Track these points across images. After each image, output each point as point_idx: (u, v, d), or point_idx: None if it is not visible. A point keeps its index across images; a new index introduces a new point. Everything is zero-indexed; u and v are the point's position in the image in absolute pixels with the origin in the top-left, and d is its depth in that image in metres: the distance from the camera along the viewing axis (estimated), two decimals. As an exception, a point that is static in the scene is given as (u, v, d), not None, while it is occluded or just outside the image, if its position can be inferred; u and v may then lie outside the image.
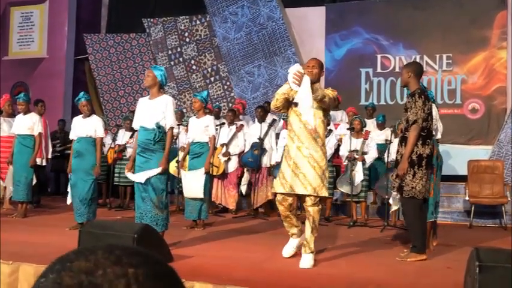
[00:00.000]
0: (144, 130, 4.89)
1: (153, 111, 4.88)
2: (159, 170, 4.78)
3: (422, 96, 4.61)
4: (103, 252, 0.65)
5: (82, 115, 6.31)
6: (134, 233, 3.90)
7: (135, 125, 5.08)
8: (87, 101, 6.20)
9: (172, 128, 4.96)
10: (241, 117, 8.75)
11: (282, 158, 4.82)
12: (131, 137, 8.62)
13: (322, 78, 9.77)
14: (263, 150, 7.80)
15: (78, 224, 5.93)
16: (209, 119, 6.53)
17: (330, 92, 4.40)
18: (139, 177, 4.82)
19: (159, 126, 4.85)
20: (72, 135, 6.28)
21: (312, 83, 4.31)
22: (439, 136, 5.67)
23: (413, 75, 4.73)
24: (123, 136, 8.70)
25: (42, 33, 11.66)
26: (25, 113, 7.21)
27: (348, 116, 8.45)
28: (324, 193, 4.33)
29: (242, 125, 8.16)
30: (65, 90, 11.23)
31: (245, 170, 8.11)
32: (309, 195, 4.32)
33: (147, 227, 4.22)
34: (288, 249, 4.56)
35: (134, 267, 0.64)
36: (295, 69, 4.26)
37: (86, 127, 6.17)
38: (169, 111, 4.90)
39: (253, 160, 7.73)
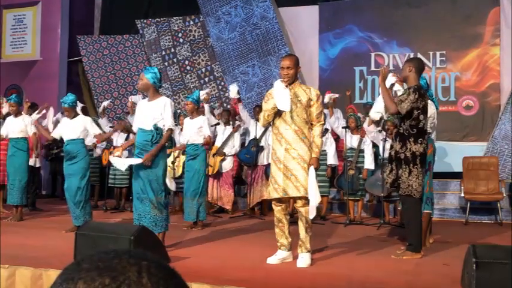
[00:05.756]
0: (142, 132, 4.89)
1: (151, 112, 4.87)
2: (139, 160, 4.76)
3: (417, 93, 4.61)
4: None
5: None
6: (131, 235, 3.89)
7: (134, 126, 5.08)
8: (68, 106, 6.10)
9: (170, 129, 4.94)
10: (237, 117, 8.73)
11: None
12: (126, 139, 8.59)
13: (316, 77, 10.04)
14: (260, 148, 7.78)
15: (76, 226, 5.90)
16: (202, 120, 6.53)
17: (318, 137, 4.42)
18: (120, 164, 4.95)
19: (156, 128, 4.84)
20: (55, 134, 6.30)
21: (291, 83, 4.39)
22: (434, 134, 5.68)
23: (414, 70, 4.72)
24: (117, 138, 8.66)
25: (35, 35, 11.60)
26: (16, 115, 7.13)
27: (347, 113, 8.40)
28: None
29: (239, 125, 8.15)
30: (59, 92, 11.16)
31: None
32: (299, 197, 4.33)
33: (143, 228, 4.21)
34: (274, 260, 4.41)
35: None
36: (277, 86, 4.33)
37: (73, 129, 6.12)
38: (167, 112, 4.88)
39: (250, 156, 7.73)
